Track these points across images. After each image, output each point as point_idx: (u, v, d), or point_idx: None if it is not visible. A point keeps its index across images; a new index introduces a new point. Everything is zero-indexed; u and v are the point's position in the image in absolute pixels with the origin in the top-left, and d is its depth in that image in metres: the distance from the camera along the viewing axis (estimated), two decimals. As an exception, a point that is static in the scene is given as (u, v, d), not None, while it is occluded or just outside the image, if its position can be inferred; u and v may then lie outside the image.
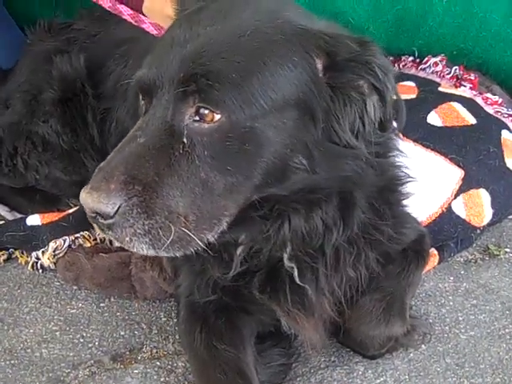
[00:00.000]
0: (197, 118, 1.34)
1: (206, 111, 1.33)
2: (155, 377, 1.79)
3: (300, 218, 1.49)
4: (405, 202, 1.76)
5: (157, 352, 1.88)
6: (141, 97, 1.47)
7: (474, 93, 2.62)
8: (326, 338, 1.75)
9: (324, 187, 1.46)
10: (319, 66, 1.40)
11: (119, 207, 1.29)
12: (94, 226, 1.38)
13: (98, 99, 2.36)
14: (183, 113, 1.35)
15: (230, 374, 1.62)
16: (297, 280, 1.59)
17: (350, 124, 1.42)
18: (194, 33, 1.39)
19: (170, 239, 1.33)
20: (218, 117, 1.33)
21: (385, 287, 1.77)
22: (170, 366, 1.82)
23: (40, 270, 2.18)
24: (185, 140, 1.34)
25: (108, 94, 2.33)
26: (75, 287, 2.13)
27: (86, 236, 2.17)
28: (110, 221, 1.31)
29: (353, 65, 1.39)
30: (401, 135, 2.33)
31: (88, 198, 1.30)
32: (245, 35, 1.37)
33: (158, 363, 1.84)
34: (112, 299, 2.08)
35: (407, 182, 1.71)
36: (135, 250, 1.36)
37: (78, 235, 2.15)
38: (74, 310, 2.04)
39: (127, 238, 1.33)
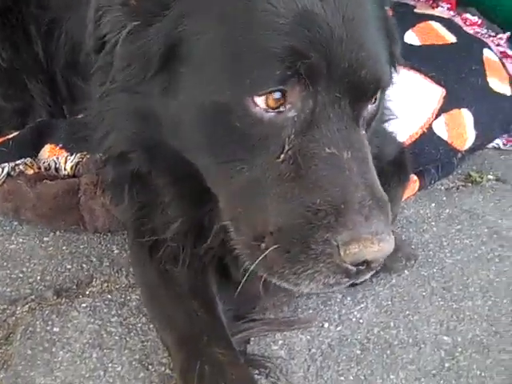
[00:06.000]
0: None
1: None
2: (105, 310, 1.57)
3: None
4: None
5: (108, 286, 1.66)
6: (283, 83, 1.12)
7: (452, 13, 2.45)
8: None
9: None
10: None
11: None
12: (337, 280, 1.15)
13: (43, 8, 2.07)
14: (363, 107, 1.21)
15: (184, 296, 1.45)
16: None
17: None
18: (333, 9, 1.13)
19: None
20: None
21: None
22: (122, 299, 1.61)
23: (-27, 204, 1.92)
24: (363, 132, 1.22)
25: (55, 2, 2.04)
26: (15, 222, 1.88)
27: (29, 163, 1.90)
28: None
29: None
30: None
31: (386, 245, 1.11)
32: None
33: (108, 297, 1.62)
34: (58, 233, 1.84)
35: (390, 119, 1.63)
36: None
37: (18, 162, 1.88)
38: (13, 246, 1.80)
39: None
